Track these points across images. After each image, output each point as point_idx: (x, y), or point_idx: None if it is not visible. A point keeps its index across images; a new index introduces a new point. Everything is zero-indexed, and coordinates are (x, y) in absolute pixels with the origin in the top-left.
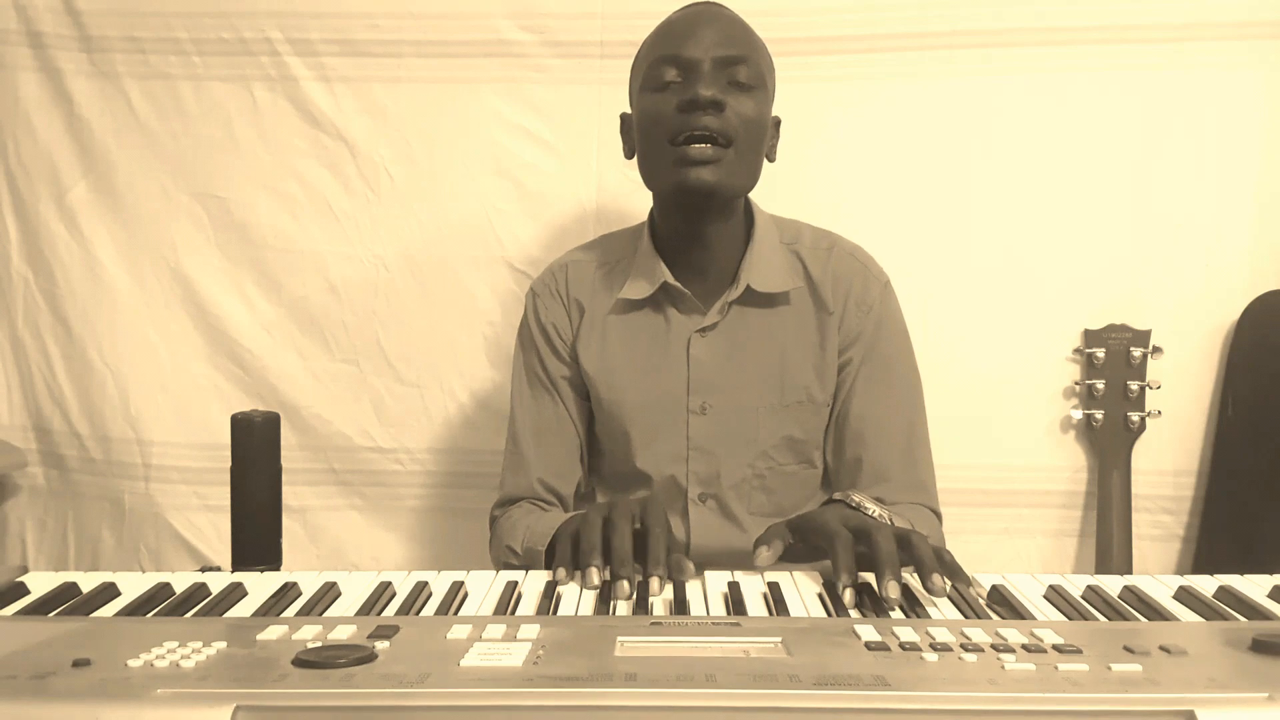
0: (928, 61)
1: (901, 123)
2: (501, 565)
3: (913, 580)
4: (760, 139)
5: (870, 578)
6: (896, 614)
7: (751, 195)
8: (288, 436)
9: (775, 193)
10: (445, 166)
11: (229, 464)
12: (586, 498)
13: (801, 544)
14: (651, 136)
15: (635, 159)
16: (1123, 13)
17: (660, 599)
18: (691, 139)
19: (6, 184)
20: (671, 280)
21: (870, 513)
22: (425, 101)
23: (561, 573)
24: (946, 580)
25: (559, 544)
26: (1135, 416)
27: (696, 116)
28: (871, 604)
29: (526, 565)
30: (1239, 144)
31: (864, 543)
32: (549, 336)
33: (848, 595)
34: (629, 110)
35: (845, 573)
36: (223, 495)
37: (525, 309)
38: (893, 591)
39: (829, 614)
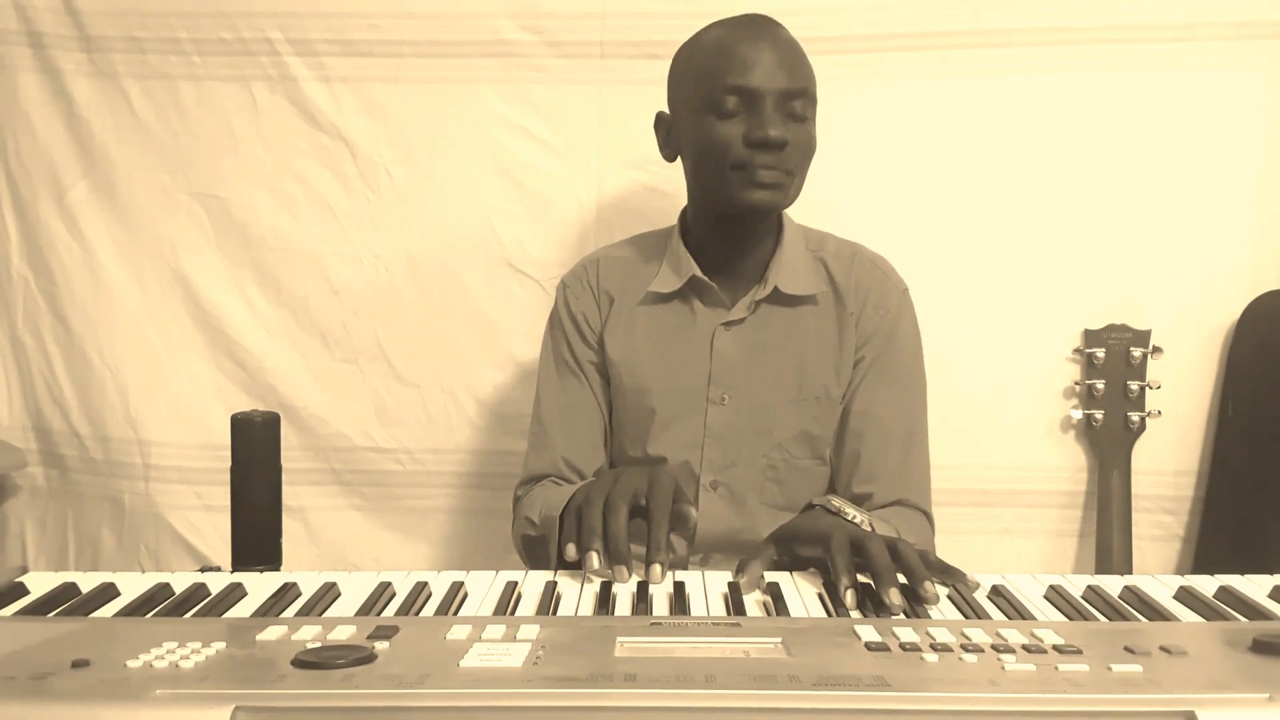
0: (928, 61)
1: (902, 122)
2: (520, 538)
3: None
4: (810, 160)
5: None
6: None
7: None
8: (288, 436)
9: None
10: (445, 166)
11: (229, 464)
12: None
13: (787, 556)
14: (713, 159)
15: (679, 163)
16: (1123, 13)
17: (661, 596)
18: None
19: (6, 184)
20: (700, 274)
21: (850, 518)
22: (425, 101)
23: (571, 549)
24: (938, 585)
25: (565, 520)
26: (1135, 416)
27: (762, 154)
28: (872, 604)
29: (544, 534)
30: (1239, 144)
31: (857, 553)
32: (578, 324)
33: (849, 597)
34: (665, 110)
35: (845, 574)
36: (223, 495)
37: (556, 299)
38: (895, 598)
39: (829, 614)
